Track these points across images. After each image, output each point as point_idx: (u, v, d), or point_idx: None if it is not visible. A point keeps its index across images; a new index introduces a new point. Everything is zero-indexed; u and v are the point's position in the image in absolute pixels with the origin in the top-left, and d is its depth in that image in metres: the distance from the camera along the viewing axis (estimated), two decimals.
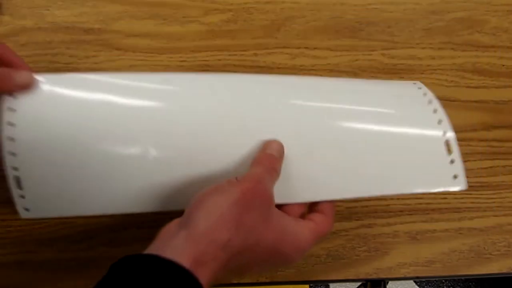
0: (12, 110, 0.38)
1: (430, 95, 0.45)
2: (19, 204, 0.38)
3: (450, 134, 0.42)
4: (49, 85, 0.39)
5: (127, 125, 0.39)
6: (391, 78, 0.53)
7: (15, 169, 0.37)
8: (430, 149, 0.41)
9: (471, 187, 0.49)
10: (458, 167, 0.41)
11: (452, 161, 0.41)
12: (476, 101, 0.53)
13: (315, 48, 0.54)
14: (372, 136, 0.42)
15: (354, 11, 0.57)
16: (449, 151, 0.41)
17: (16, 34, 0.52)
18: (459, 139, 0.50)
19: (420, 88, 0.46)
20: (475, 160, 0.50)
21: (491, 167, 0.50)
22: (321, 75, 0.53)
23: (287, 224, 0.35)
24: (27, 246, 0.45)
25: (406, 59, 0.55)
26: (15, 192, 0.38)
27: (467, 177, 0.49)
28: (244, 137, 0.40)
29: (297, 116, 0.42)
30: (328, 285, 1.18)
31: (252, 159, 0.38)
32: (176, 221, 0.33)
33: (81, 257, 0.44)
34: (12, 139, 0.37)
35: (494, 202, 0.49)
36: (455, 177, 0.41)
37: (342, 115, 0.43)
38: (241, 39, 0.54)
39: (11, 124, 0.37)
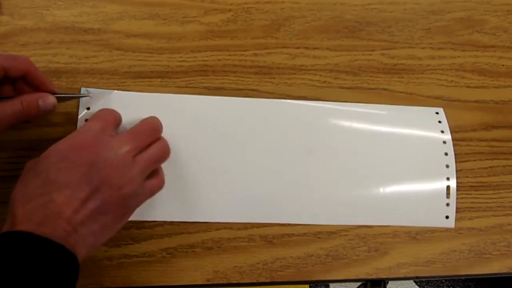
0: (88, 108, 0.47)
1: (447, 132, 0.50)
2: None
3: (453, 181, 0.48)
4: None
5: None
6: (390, 78, 0.53)
7: None
8: (432, 191, 0.48)
9: (471, 187, 0.49)
10: (452, 210, 0.47)
11: (447, 204, 0.47)
12: (476, 101, 0.53)
13: (315, 48, 0.54)
14: (383, 170, 0.48)
15: (354, 11, 0.57)
16: (448, 195, 0.48)
17: (16, 34, 0.52)
18: (459, 139, 0.51)
19: (440, 122, 0.51)
20: (475, 160, 0.50)
21: (491, 167, 0.50)
22: (321, 75, 0.53)
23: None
24: None
25: (406, 59, 0.55)
26: None
27: (467, 177, 0.49)
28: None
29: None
30: (328, 285, 1.18)
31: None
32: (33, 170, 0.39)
33: None
34: None
35: (494, 202, 0.49)
36: (447, 217, 0.47)
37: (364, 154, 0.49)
38: (241, 39, 0.54)
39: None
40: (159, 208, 0.45)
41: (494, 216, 0.48)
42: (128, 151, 0.39)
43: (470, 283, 1.26)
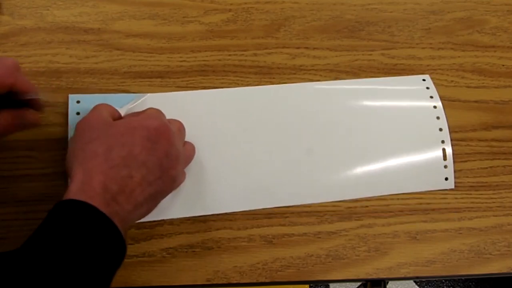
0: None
1: (436, 97, 0.52)
2: None
3: (448, 143, 0.49)
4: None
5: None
6: None
7: None
8: (429, 155, 0.49)
9: (471, 187, 0.49)
10: (450, 171, 0.49)
11: (445, 166, 0.49)
12: (476, 101, 0.53)
13: (315, 48, 0.54)
14: (379, 142, 0.49)
15: (354, 11, 0.57)
16: (445, 157, 0.49)
17: (16, 34, 0.52)
18: (459, 139, 0.51)
19: (428, 88, 0.52)
20: (475, 160, 0.50)
21: (491, 167, 0.50)
22: (321, 75, 0.53)
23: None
24: None
25: (406, 59, 0.55)
26: None
27: (467, 177, 0.49)
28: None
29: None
30: (328, 285, 1.18)
31: None
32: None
33: None
34: None
35: (494, 202, 0.49)
36: (446, 179, 0.49)
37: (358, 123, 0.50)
38: (241, 39, 0.54)
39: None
40: (177, 205, 0.46)
41: (494, 216, 0.48)
42: (181, 147, 0.43)
43: (470, 283, 1.26)
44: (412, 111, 0.51)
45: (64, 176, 0.46)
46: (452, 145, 0.50)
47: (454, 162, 0.49)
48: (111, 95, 0.49)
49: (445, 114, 0.51)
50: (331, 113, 0.50)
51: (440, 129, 0.50)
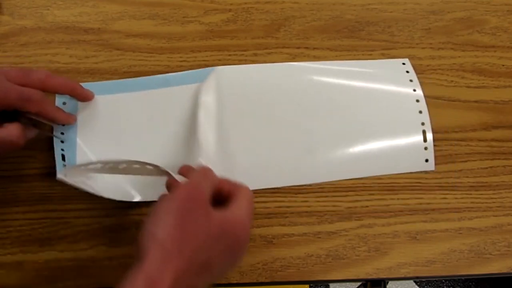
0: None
1: (416, 81, 0.52)
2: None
3: (428, 125, 0.50)
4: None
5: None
6: None
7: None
8: (409, 138, 0.50)
9: (471, 187, 0.49)
10: (430, 153, 0.49)
11: (425, 148, 0.49)
12: (476, 101, 0.53)
13: (315, 48, 0.54)
14: (361, 125, 0.50)
15: (354, 11, 0.57)
16: (425, 139, 0.50)
17: (16, 34, 0.52)
18: (459, 139, 0.51)
19: (408, 72, 0.53)
20: (475, 160, 0.50)
21: (491, 167, 0.50)
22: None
23: (224, 211, 0.36)
24: (27, 246, 0.45)
25: (406, 59, 0.55)
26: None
27: (467, 177, 0.49)
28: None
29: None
30: (328, 285, 1.18)
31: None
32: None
33: (81, 257, 0.44)
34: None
35: (494, 202, 0.49)
36: (426, 160, 0.49)
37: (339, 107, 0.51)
38: (241, 39, 0.54)
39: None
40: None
41: (494, 216, 0.48)
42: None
43: (470, 283, 1.26)
44: (392, 94, 0.52)
45: None
46: (431, 124, 0.50)
47: (433, 137, 0.50)
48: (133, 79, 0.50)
49: (425, 100, 0.51)
50: (311, 94, 0.51)
51: (420, 112, 0.51)
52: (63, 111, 0.47)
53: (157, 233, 0.34)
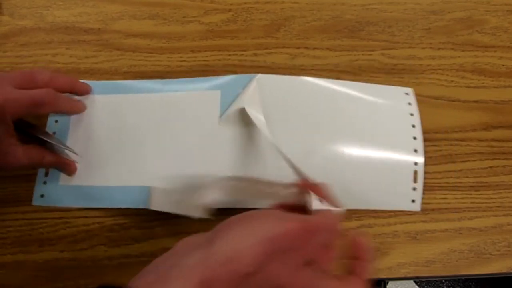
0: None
1: (417, 115, 0.51)
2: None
3: (420, 165, 0.48)
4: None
5: None
6: (391, 78, 0.53)
7: None
8: (399, 175, 0.48)
9: (471, 187, 0.49)
10: (418, 194, 0.48)
11: (414, 189, 0.48)
12: (476, 101, 0.53)
13: (315, 48, 0.54)
14: (355, 158, 0.48)
15: (354, 11, 0.57)
16: (415, 179, 0.48)
17: (16, 34, 0.52)
18: (459, 139, 0.51)
19: (410, 103, 0.51)
20: (475, 160, 0.50)
21: (491, 167, 0.50)
22: (321, 75, 0.53)
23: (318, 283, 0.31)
24: (27, 246, 0.45)
25: (406, 59, 0.55)
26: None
27: (467, 177, 0.49)
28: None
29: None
30: None
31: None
32: (200, 235, 0.31)
33: (81, 257, 0.44)
34: None
35: (494, 202, 0.49)
36: (413, 201, 0.48)
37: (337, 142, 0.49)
38: (241, 39, 0.54)
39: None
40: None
41: (494, 216, 0.48)
42: None
43: (470, 283, 1.26)
44: (389, 130, 0.50)
45: None
46: (424, 167, 0.48)
47: (424, 174, 0.48)
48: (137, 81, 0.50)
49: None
50: (315, 112, 0.50)
51: (415, 150, 0.49)
52: (75, 100, 0.47)
53: (241, 250, 0.29)
